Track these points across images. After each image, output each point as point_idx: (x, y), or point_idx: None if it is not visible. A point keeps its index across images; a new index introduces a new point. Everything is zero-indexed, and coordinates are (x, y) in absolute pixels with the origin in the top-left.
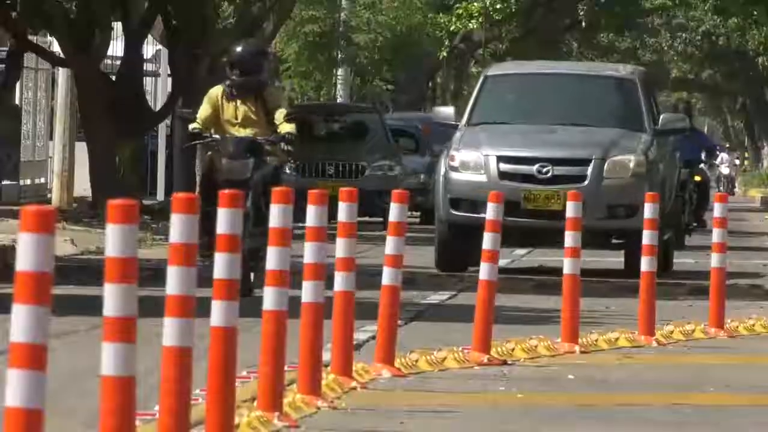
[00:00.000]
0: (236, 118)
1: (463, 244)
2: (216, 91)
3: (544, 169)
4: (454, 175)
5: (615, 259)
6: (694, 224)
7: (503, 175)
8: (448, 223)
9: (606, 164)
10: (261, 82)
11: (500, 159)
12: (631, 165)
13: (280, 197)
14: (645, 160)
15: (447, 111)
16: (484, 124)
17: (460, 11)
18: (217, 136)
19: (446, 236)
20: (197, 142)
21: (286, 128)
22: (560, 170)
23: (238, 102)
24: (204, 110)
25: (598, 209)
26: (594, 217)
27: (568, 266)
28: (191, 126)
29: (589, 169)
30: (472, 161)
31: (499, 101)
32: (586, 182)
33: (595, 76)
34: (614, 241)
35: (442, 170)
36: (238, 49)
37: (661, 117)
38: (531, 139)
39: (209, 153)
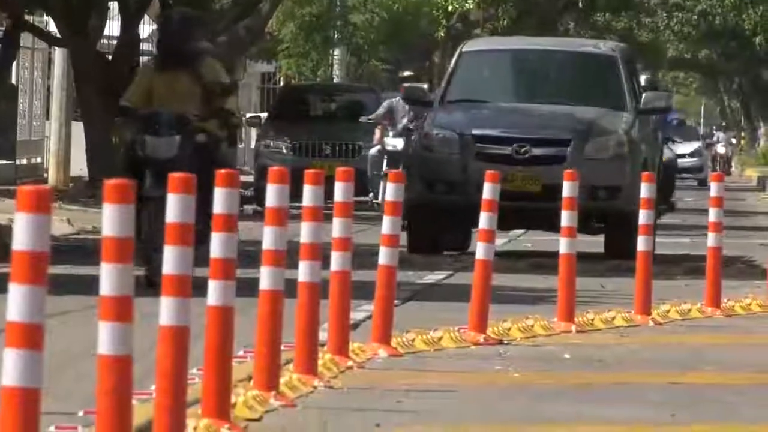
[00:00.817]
0: (169, 93)
1: (437, 228)
2: (149, 64)
3: (522, 150)
4: (427, 156)
5: (596, 239)
6: (663, 206)
7: (479, 155)
8: (421, 205)
9: (587, 144)
10: (194, 52)
11: (476, 139)
12: (613, 145)
13: (275, 177)
14: (627, 140)
15: (419, 88)
16: (459, 102)
17: None
18: (144, 111)
19: (419, 219)
20: (125, 117)
21: (223, 104)
22: (539, 151)
23: (171, 75)
24: (136, 85)
25: (578, 191)
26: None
27: (564, 246)
28: (121, 102)
29: (569, 150)
30: (446, 141)
31: (475, 78)
32: (566, 163)
33: (574, 52)
34: (595, 225)
35: (415, 150)
36: (167, 16)
37: (644, 95)
38: (508, 118)
39: (134, 130)
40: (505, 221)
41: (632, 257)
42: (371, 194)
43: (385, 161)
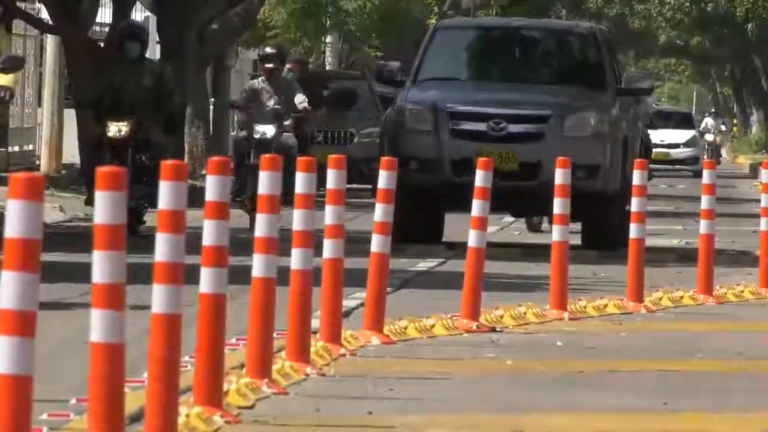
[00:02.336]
0: None
1: (411, 211)
2: None
3: (499, 126)
4: (399, 132)
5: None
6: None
7: (454, 132)
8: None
9: (566, 121)
10: None
11: (451, 115)
12: (593, 122)
13: (269, 164)
14: (607, 117)
15: (391, 66)
16: (433, 80)
17: None
18: None
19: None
20: None
21: None
22: (516, 128)
23: None
24: None
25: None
26: (551, 176)
27: (556, 233)
28: None
29: (548, 127)
30: (420, 118)
31: (450, 56)
32: (544, 140)
33: (553, 30)
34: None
35: (388, 129)
36: None
37: (624, 75)
38: (484, 94)
39: None
40: None
41: (612, 245)
42: (235, 188)
43: (253, 150)
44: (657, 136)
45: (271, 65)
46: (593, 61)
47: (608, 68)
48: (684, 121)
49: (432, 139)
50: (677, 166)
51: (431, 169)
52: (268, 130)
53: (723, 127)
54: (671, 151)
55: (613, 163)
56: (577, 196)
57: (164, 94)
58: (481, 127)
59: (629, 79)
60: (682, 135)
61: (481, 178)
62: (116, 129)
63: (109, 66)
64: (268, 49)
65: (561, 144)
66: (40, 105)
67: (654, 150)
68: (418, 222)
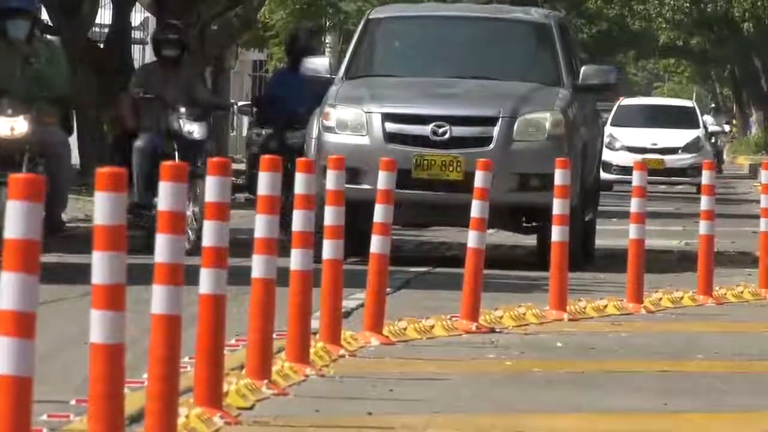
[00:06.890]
0: None
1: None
2: None
3: (441, 130)
4: (329, 137)
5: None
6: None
7: (390, 136)
8: (320, 195)
9: (516, 124)
10: None
11: (386, 117)
12: (547, 125)
13: (267, 165)
14: (563, 119)
15: (319, 62)
16: (366, 77)
17: None
18: None
19: (317, 212)
20: None
21: None
22: (460, 131)
23: None
24: None
25: (506, 179)
26: (501, 189)
27: (556, 233)
28: None
29: (496, 130)
30: (351, 120)
31: (386, 50)
32: (492, 146)
33: (502, 20)
34: (525, 224)
35: (314, 131)
36: None
37: (583, 69)
38: (425, 93)
39: None
40: (420, 215)
41: (572, 263)
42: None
43: (177, 152)
44: (648, 137)
45: (172, 53)
46: (548, 53)
47: (565, 61)
48: (685, 117)
49: (364, 144)
50: (674, 178)
51: (365, 179)
52: (196, 129)
53: (726, 127)
54: (666, 157)
55: (570, 171)
56: (530, 209)
57: (56, 80)
58: (421, 131)
59: (588, 73)
60: (682, 136)
61: (480, 179)
62: (8, 126)
63: None
64: (169, 34)
65: (511, 149)
66: None
67: (644, 156)
68: (347, 238)
